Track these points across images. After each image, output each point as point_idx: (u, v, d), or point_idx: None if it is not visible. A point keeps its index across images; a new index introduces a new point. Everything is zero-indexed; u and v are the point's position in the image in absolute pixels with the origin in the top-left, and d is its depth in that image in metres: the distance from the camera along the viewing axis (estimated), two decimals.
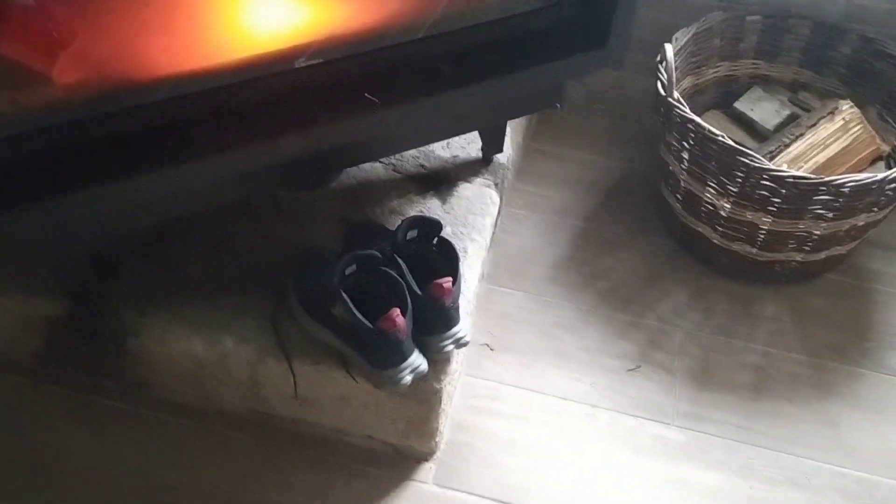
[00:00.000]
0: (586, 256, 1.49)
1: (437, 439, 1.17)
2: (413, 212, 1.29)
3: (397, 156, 1.36)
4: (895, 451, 1.24)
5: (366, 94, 0.99)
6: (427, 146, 1.37)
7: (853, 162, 1.36)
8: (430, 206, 1.30)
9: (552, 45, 1.07)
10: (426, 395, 1.09)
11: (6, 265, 1.16)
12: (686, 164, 1.34)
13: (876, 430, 1.26)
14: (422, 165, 1.36)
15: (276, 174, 1.06)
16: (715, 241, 1.39)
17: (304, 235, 1.24)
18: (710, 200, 1.34)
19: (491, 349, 1.33)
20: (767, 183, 1.23)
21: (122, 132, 0.90)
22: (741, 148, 1.23)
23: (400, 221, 1.10)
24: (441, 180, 1.34)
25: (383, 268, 1.06)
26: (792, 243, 1.32)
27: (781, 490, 1.19)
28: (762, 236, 1.33)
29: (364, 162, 1.25)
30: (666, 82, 1.31)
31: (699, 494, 1.18)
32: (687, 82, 1.49)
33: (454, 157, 1.38)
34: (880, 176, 1.19)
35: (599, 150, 1.68)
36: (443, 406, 1.12)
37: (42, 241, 0.97)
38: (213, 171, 0.93)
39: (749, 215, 1.30)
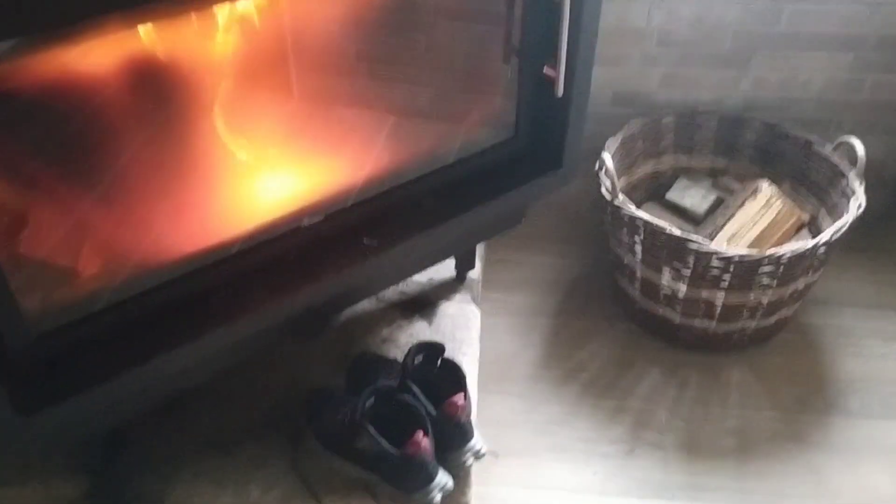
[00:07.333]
0: (562, 352, 1.59)
1: None
2: (404, 337, 1.37)
3: None
4: (873, 488, 1.36)
5: (364, 240, 1.09)
6: None
7: (780, 233, 1.53)
8: (419, 329, 1.39)
9: (517, 173, 1.20)
10: None
11: (25, 453, 1.17)
12: (640, 255, 1.48)
13: (853, 471, 1.38)
14: (402, 292, 1.46)
15: (285, 327, 1.13)
16: (676, 320, 1.52)
17: (308, 377, 1.30)
18: (667, 285, 1.47)
19: (496, 456, 1.39)
20: (717, 263, 1.37)
21: (147, 312, 0.96)
22: (689, 236, 1.38)
23: (406, 349, 1.18)
24: (423, 303, 1.43)
25: (399, 395, 1.13)
26: (745, 313, 1.47)
27: None
28: (718, 310, 1.46)
29: (361, 300, 1.34)
30: (609, 187, 1.46)
31: None
32: (622, 182, 1.66)
33: (430, 279, 1.48)
34: (811, 244, 1.35)
35: (552, 250, 1.82)
36: None
37: (78, 427, 1.00)
38: (234, 334, 0.99)
39: (704, 293, 1.44)
